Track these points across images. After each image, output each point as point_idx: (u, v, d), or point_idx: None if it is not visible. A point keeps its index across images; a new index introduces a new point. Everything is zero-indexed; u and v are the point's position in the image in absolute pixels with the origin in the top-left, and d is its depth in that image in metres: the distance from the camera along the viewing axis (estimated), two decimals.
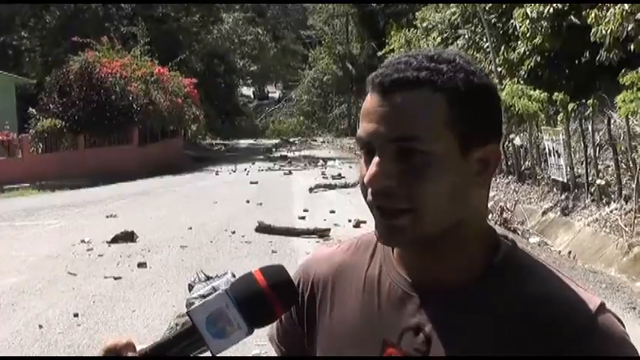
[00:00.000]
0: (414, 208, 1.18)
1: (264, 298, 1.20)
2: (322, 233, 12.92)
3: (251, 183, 23.18)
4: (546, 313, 1.18)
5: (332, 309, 1.37)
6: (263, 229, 13.44)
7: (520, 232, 13.29)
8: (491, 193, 15.91)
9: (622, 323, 1.21)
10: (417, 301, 1.26)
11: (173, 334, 1.22)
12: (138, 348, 1.19)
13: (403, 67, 1.20)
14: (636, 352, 1.20)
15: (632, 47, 13.56)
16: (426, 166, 1.17)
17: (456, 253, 1.25)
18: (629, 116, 11.95)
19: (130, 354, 1.17)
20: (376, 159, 1.19)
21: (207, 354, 1.21)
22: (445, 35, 25.69)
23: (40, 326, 8.08)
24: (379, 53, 36.23)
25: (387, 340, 1.27)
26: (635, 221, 10.85)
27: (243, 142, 51.46)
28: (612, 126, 12.73)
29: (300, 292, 1.40)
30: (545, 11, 17.77)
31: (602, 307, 1.20)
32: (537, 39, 18.37)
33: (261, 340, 6.74)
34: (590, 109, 13.33)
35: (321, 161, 32.77)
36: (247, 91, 74.33)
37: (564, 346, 1.15)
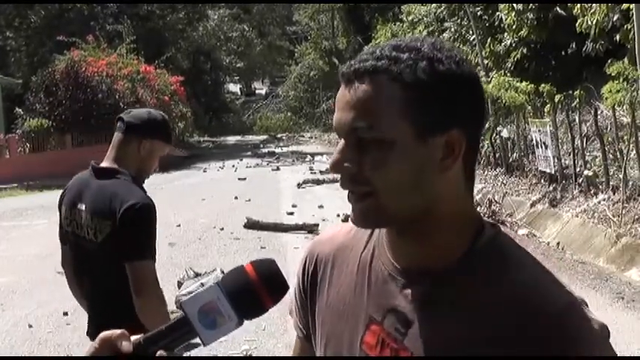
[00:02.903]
0: (374, 191, 1.26)
1: (253, 290, 1.24)
2: (311, 228, 12.92)
3: (239, 179, 23.19)
4: (518, 306, 1.21)
5: (330, 286, 1.47)
6: (252, 225, 13.45)
7: (509, 224, 13.31)
8: (480, 186, 16.02)
9: (600, 324, 1.21)
10: (401, 283, 1.33)
11: (166, 324, 1.25)
12: (132, 338, 1.22)
13: (366, 57, 1.28)
14: (609, 349, 1.21)
15: (617, 37, 13.62)
16: (381, 152, 1.24)
17: (434, 237, 1.30)
18: (616, 107, 11.98)
19: (124, 343, 1.20)
20: (339, 146, 1.28)
21: (199, 352, 1.21)
22: (431, 28, 25.67)
23: (30, 325, 8.08)
24: (365, 48, 36.17)
25: (373, 317, 1.35)
26: (623, 212, 10.89)
27: (231, 139, 51.33)
28: (599, 117, 12.77)
29: (306, 268, 1.54)
30: (531, 3, 17.83)
31: (573, 303, 1.21)
32: (523, 31, 18.42)
33: (251, 335, 6.73)
34: (577, 100, 13.37)
35: (308, 156, 32.72)
36: (234, 87, 74.13)
37: (533, 340, 1.18)
